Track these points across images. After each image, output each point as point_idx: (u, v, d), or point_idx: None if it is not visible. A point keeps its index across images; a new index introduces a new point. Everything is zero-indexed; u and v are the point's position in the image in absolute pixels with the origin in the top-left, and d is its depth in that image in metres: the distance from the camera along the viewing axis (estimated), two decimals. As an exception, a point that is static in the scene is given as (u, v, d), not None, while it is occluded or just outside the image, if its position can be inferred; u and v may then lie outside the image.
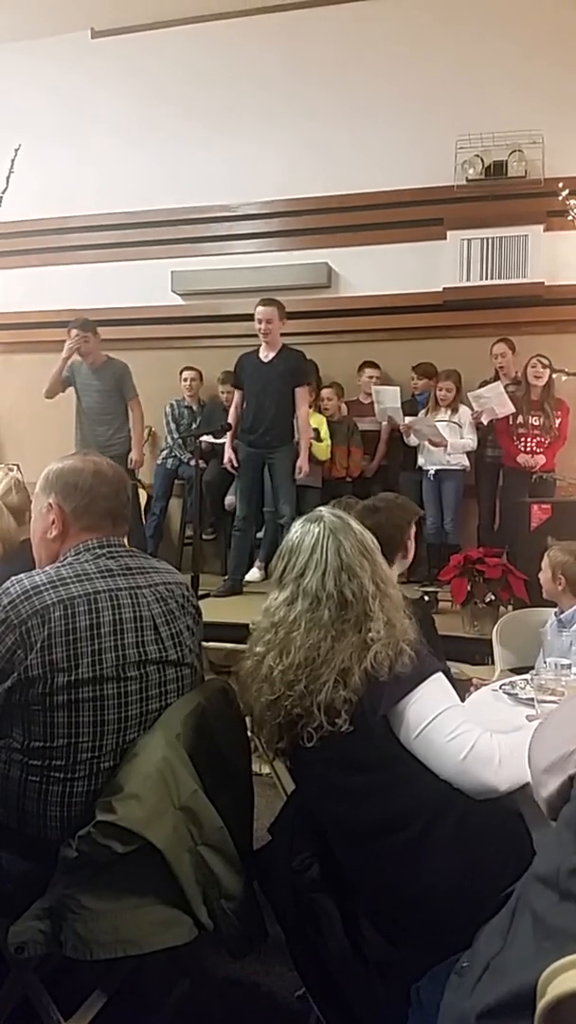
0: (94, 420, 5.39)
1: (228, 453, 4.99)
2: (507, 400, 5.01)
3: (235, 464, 5.00)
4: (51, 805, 1.56)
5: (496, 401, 5.03)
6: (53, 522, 1.70)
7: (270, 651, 1.53)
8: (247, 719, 1.72)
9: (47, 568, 1.65)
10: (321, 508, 1.68)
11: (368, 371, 5.73)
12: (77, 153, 6.48)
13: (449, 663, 1.79)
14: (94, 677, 1.55)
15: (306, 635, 1.50)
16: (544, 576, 2.97)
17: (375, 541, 1.63)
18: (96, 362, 5.36)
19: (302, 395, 4.85)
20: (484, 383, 5.40)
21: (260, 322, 4.77)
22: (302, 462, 4.81)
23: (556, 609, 2.96)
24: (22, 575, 1.61)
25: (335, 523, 1.59)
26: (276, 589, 1.60)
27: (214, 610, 4.19)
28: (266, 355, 4.86)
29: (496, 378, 5.39)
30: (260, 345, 4.89)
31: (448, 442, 5.09)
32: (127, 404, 5.43)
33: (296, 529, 1.62)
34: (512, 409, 5.03)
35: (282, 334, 4.92)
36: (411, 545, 2.38)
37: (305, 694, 1.46)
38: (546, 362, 4.98)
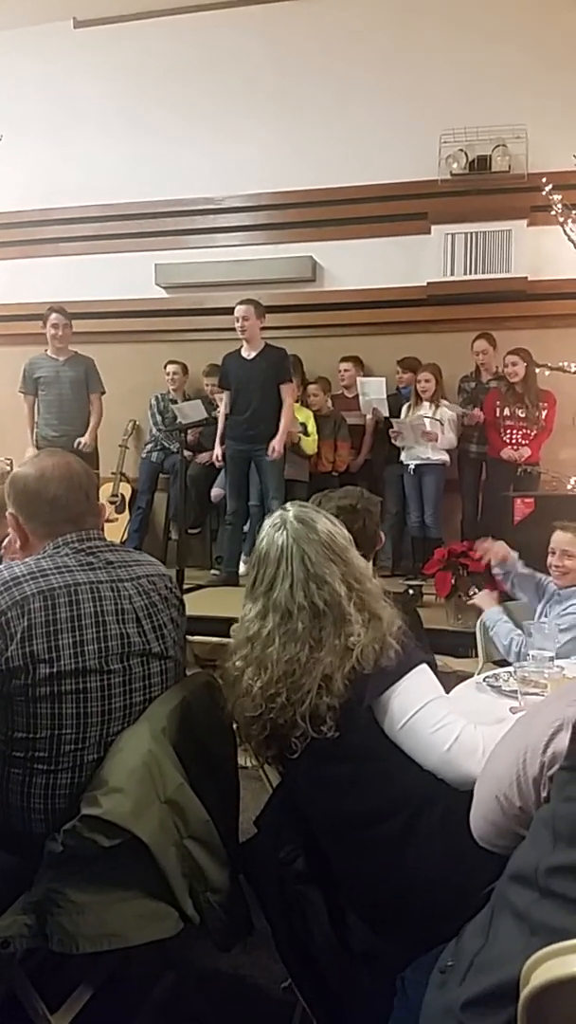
0: (64, 413, 5.30)
1: (217, 451, 5.06)
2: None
3: (222, 461, 5.08)
4: (34, 797, 1.55)
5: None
6: (17, 530, 1.72)
7: (248, 666, 1.51)
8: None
9: (27, 560, 1.64)
10: (287, 508, 1.61)
11: (343, 365, 5.73)
12: (59, 144, 6.43)
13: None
14: (76, 669, 1.55)
15: (282, 649, 1.48)
16: (565, 559, 2.92)
17: (346, 536, 1.59)
18: (65, 354, 5.35)
19: (287, 391, 4.90)
20: (465, 378, 5.46)
21: (238, 320, 4.86)
22: (276, 443, 4.82)
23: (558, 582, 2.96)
24: (0, 566, 1.61)
25: (298, 530, 1.54)
26: (248, 600, 1.58)
27: (200, 604, 4.19)
28: (248, 353, 4.92)
29: (478, 372, 5.43)
30: (242, 344, 4.96)
31: (440, 436, 5.11)
32: (91, 397, 5.38)
33: (263, 534, 1.58)
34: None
35: (266, 328, 4.96)
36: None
37: (287, 705, 1.44)
38: (522, 355, 5.00)
